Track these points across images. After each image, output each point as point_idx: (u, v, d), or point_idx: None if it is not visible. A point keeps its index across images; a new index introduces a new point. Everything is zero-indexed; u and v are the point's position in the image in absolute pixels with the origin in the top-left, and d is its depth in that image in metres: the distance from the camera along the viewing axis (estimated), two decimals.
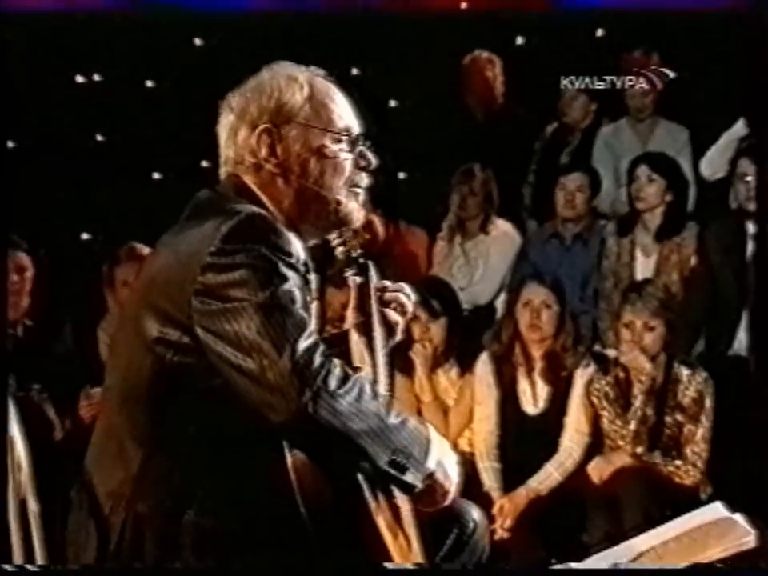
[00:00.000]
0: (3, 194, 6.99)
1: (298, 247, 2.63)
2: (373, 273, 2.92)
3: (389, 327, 2.92)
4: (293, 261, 2.59)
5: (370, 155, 2.83)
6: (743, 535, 3.18)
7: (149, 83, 7.71)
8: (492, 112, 6.78)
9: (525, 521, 4.82)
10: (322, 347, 2.52)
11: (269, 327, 2.51)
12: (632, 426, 4.94)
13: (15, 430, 3.02)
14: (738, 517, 3.25)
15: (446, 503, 2.73)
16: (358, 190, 2.81)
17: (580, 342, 5.30)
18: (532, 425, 5.10)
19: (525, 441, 4.95)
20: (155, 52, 7.60)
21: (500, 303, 5.98)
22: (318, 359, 2.47)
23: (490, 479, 4.95)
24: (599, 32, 7.59)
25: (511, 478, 5.01)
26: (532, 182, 6.69)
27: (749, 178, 5.56)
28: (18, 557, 3.05)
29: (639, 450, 4.90)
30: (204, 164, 7.39)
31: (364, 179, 2.83)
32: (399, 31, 7.22)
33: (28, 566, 3.06)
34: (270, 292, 2.53)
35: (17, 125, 7.20)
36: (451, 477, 2.67)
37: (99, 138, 7.47)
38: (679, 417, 4.95)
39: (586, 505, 4.85)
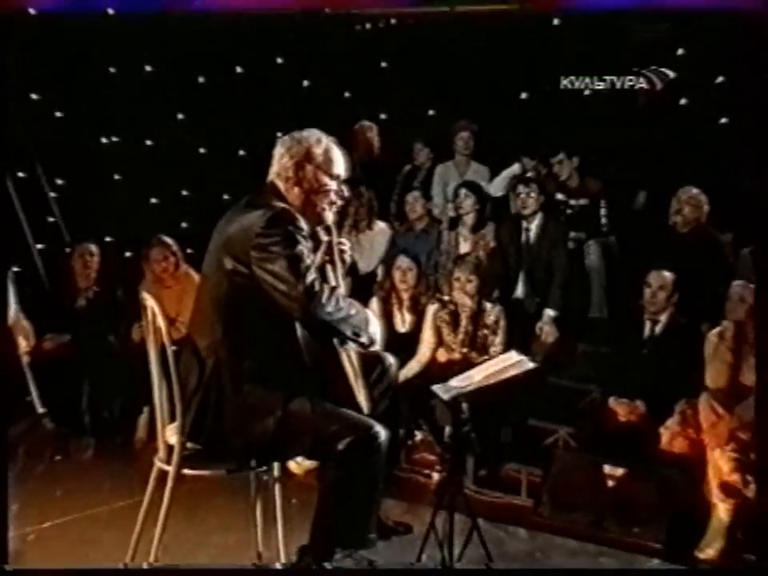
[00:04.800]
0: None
1: (306, 226, 3.06)
2: (335, 232, 3.30)
3: (343, 261, 3.32)
4: (304, 233, 3.03)
5: (346, 191, 3.24)
6: (525, 364, 3.82)
7: (148, 142, 7.58)
8: (371, 158, 6.95)
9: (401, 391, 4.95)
10: (319, 279, 2.99)
11: (292, 268, 2.95)
12: (460, 337, 5.32)
13: (156, 309, 3.20)
14: (524, 357, 3.80)
15: (374, 350, 3.22)
16: (333, 207, 3.21)
17: (429, 290, 5.72)
18: (402, 338, 5.45)
19: (398, 347, 4.64)
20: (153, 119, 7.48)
21: (379, 270, 6.18)
22: (317, 285, 2.96)
23: (362, 389, 4.80)
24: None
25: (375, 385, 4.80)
26: (396, 199, 6.92)
27: (522, 196, 5.92)
28: (156, 386, 3.22)
29: (464, 350, 5.30)
30: (184, 192, 7.66)
31: (338, 201, 3.23)
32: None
33: None
34: (292, 249, 2.97)
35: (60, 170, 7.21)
36: (378, 337, 3.18)
37: (117, 177, 7.45)
38: (486, 331, 5.31)
39: (432, 381, 4.65)
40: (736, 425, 4.47)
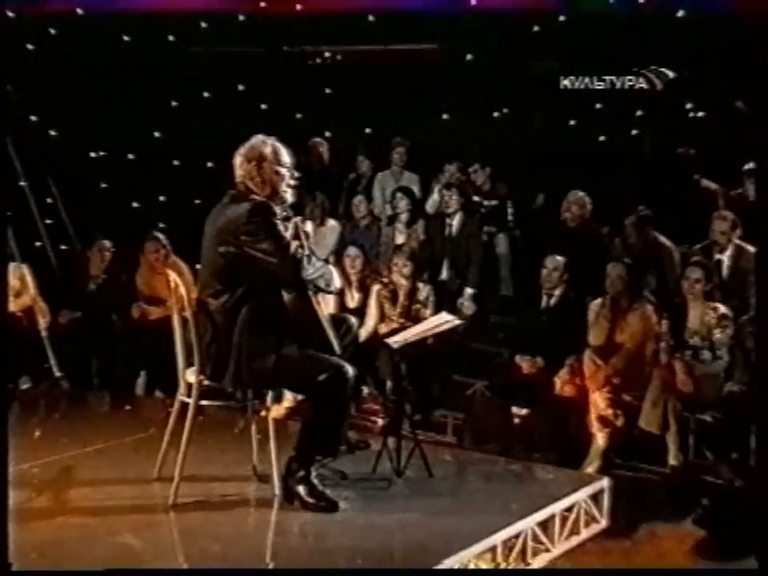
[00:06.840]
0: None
1: (278, 210, 3.39)
2: (299, 218, 3.59)
3: (306, 235, 3.56)
4: (280, 218, 3.39)
5: (296, 173, 3.54)
6: (453, 321, 4.03)
7: (130, 156, 7.78)
8: (323, 168, 7.27)
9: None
10: (299, 249, 3.37)
11: (276, 245, 3.32)
12: (398, 310, 5.70)
13: (178, 281, 3.54)
14: (452, 316, 4.10)
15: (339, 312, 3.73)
16: (291, 188, 3.51)
17: (373, 273, 6.05)
18: (352, 311, 5.57)
19: None
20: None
21: (331, 258, 6.03)
22: (299, 254, 3.35)
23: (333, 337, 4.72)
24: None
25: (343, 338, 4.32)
26: (344, 201, 7.06)
27: (446, 198, 6.29)
28: (178, 339, 3.62)
29: (402, 321, 5.58)
30: (162, 198, 7.88)
31: (293, 183, 3.52)
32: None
33: None
34: (273, 230, 3.33)
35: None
36: (338, 286, 3.61)
37: (103, 185, 7.67)
38: (419, 305, 5.68)
39: (377, 346, 5.21)
40: (610, 372, 5.02)
